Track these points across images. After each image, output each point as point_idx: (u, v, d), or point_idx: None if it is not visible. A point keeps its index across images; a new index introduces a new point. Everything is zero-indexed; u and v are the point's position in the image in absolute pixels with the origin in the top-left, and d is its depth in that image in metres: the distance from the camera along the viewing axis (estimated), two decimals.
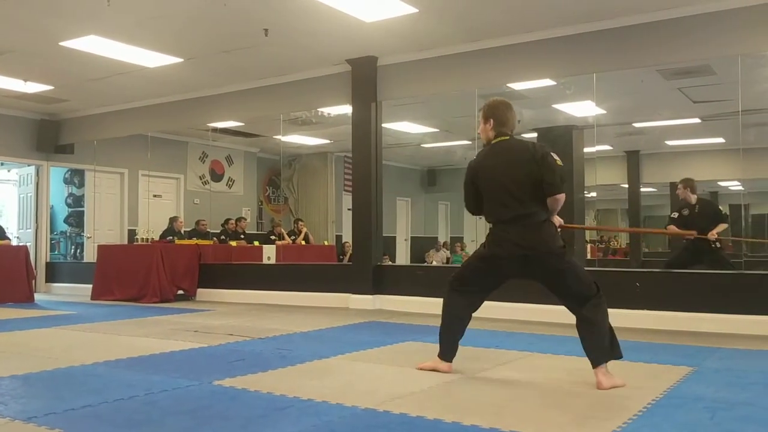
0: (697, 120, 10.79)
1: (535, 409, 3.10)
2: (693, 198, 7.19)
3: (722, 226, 7.08)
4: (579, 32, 6.80)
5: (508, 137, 3.76)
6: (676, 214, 7.25)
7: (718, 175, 13.42)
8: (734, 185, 14.60)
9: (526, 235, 3.57)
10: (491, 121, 3.79)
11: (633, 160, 13.28)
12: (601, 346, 3.53)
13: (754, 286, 6.00)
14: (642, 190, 13.74)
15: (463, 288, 3.88)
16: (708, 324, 5.88)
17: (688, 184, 7.22)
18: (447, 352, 3.92)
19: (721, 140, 11.69)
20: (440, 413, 2.93)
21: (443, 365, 3.89)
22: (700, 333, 5.72)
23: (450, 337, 3.93)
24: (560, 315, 6.27)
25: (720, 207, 7.14)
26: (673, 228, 7.05)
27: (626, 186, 13.41)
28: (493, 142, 3.78)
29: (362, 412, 3.00)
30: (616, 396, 3.32)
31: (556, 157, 3.61)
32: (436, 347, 3.98)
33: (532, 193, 3.59)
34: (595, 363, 3.51)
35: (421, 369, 3.94)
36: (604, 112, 9.81)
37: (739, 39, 6.14)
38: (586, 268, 7.52)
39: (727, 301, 5.94)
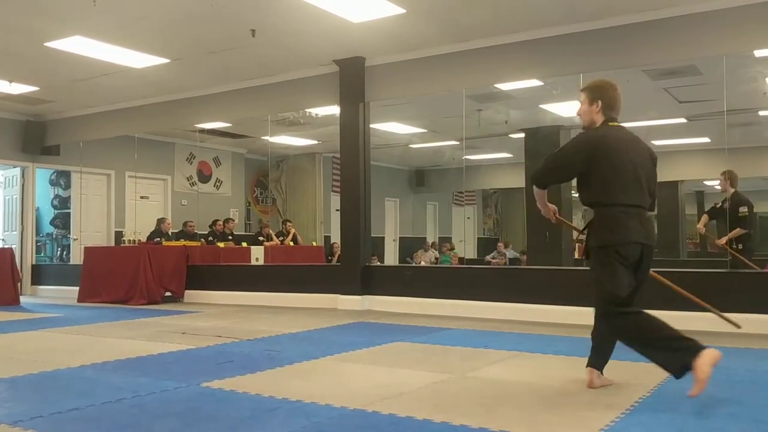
0: (683, 120, 10.87)
1: (525, 408, 3.10)
2: (731, 190, 7.02)
3: (735, 232, 6.88)
4: (565, 33, 6.83)
5: (622, 125, 3.48)
6: (718, 204, 7.11)
7: (703, 175, 13.52)
8: (719, 184, 14.72)
9: (647, 225, 3.35)
10: (599, 103, 3.47)
11: None
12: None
13: (740, 284, 6.04)
14: None
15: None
16: (696, 322, 5.91)
17: (729, 176, 7.02)
18: None
19: (706, 140, 11.78)
20: (429, 413, 2.93)
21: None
22: (690, 331, 5.73)
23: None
24: (548, 315, 6.31)
25: (746, 210, 6.79)
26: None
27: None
28: (610, 125, 3.45)
29: (351, 412, 2.99)
30: (604, 394, 3.33)
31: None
32: (423, 346, 3.96)
33: (654, 192, 3.44)
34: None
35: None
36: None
37: (723, 39, 6.18)
38: (574, 268, 7.57)
39: (716, 299, 5.96)
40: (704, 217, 7.51)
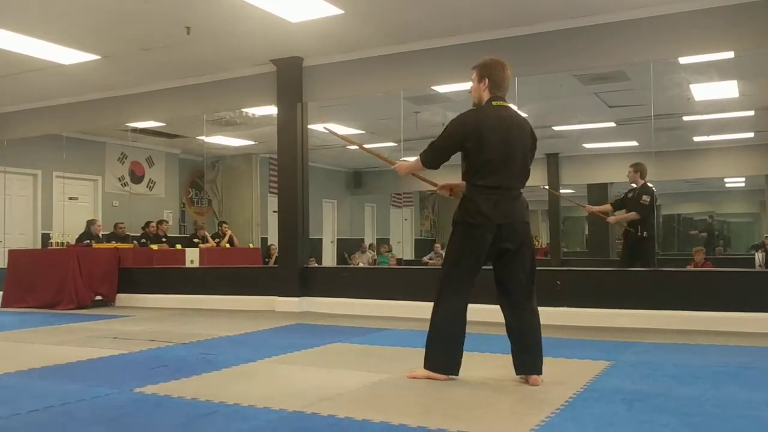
0: (612, 124, 11.23)
1: (461, 406, 3.14)
2: (640, 182, 7.17)
3: (631, 215, 7.09)
4: (501, 37, 6.95)
5: (507, 104, 3.63)
6: (628, 194, 7.25)
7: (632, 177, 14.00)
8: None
9: (509, 205, 3.53)
10: (486, 80, 3.62)
11: (552, 162, 13.70)
12: (539, 356, 3.58)
13: (666, 283, 6.29)
14: (561, 191, 14.18)
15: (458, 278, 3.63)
16: (624, 320, 6.13)
17: (638, 168, 7.22)
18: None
19: (634, 143, 12.21)
20: (368, 414, 2.94)
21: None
22: (618, 328, 5.95)
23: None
24: (483, 314, 6.40)
25: (648, 198, 7.01)
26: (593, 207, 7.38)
27: (546, 187, 13.82)
28: (493, 103, 3.59)
29: (290, 415, 2.97)
30: (538, 391, 3.41)
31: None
32: (361, 347, 3.97)
33: (524, 170, 3.62)
34: (533, 372, 3.54)
35: None
36: (525, 115, 10.03)
37: (651, 46, 6.42)
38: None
39: (642, 298, 6.20)
40: (606, 206, 7.67)
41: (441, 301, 3.63)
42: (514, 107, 3.73)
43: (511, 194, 3.56)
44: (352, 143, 4.79)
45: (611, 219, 7.50)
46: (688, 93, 8.91)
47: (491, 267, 3.70)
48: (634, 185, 7.22)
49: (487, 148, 3.48)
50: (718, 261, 11.76)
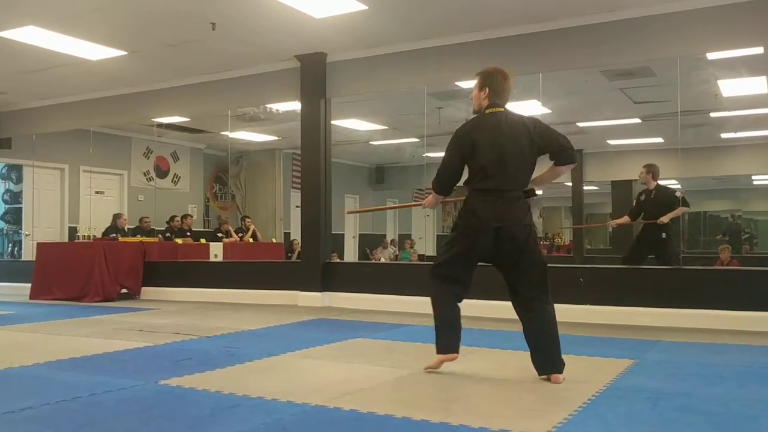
0: (637, 120, 11.10)
1: (483, 402, 3.15)
2: (653, 184, 7.16)
3: (680, 210, 7.00)
4: (525, 33, 6.92)
5: (502, 109, 3.66)
6: (635, 200, 7.23)
7: None
8: (672, 184, 15.07)
9: (504, 207, 3.54)
10: (486, 89, 3.67)
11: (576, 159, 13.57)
12: (557, 353, 3.56)
13: (691, 282, 6.22)
14: (585, 188, 14.07)
15: (447, 275, 3.77)
16: (648, 318, 6.08)
17: (651, 169, 7.17)
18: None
19: (660, 140, 12.06)
20: (390, 409, 2.95)
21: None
22: (641, 327, 5.89)
23: None
24: (506, 311, 6.39)
25: (679, 194, 7.01)
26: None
27: (570, 184, 13.70)
28: (487, 111, 3.66)
29: (312, 408, 2.99)
30: (561, 389, 3.40)
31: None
32: (384, 343, 3.99)
33: (526, 171, 3.61)
34: (554, 371, 3.53)
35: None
36: (549, 111, 9.98)
37: (677, 42, 6.34)
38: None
39: (666, 296, 6.14)
40: (624, 219, 7.67)
41: (433, 291, 3.79)
42: (512, 111, 3.73)
43: (508, 196, 3.56)
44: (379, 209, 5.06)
45: (661, 221, 7.03)
46: (715, 89, 8.77)
47: (493, 267, 3.74)
48: (644, 185, 7.18)
49: (479, 155, 3.56)
50: (745, 259, 11.60)
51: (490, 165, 3.54)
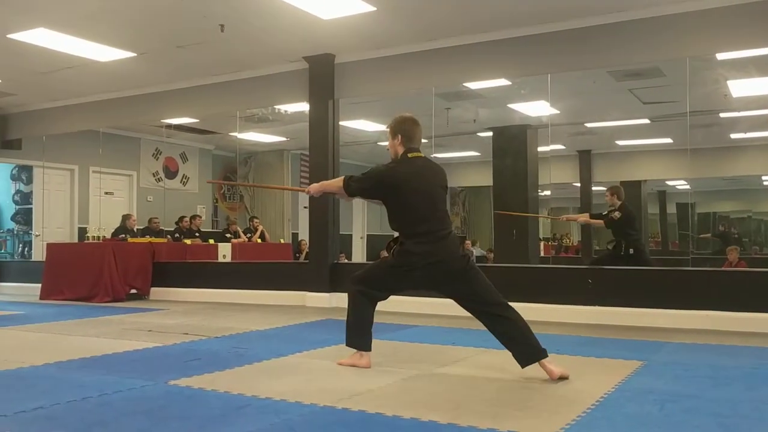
0: (646, 120, 11.07)
1: (491, 404, 3.15)
2: (618, 204, 7.44)
3: (598, 222, 7.53)
4: (534, 33, 6.91)
5: (422, 154, 3.92)
6: (605, 212, 7.48)
7: (666, 175, 13.79)
8: (681, 184, 14.99)
9: (448, 246, 3.76)
10: (399, 136, 3.91)
11: (585, 160, 13.55)
12: (534, 342, 3.66)
13: (698, 283, 6.20)
14: (593, 188, 14.02)
15: (372, 292, 4.01)
16: (657, 319, 6.06)
17: (615, 191, 7.49)
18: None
19: (669, 140, 12.02)
20: (398, 410, 2.96)
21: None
22: (650, 328, 5.88)
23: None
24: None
25: (619, 215, 7.34)
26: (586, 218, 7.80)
27: (578, 185, 13.67)
28: (409, 156, 3.87)
29: (320, 409, 3.00)
30: (569, 390, 3.40)
31: None
32: (391, 344, 4.00)
33: (445, 210, 3.94)
34: (539, 358, 3.62)
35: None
36: (557, 112, 9.99)
37: (686, 42, 6.32)
38: (540, 265, 7.67)
39: (674, 297, 6.12)
40: (585, 216, 8.15)
41: (353, 298, 4.03)
42: (425, 156, 3.99)
43: (440, 235, 3.77)
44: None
45: (581, 219, 7.94)
46: (725, 89, 8.74)
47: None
48: (611, 206, 7.45)
49: (410, 198, 3.77)
50: (754, 261, 11.54)
51: (423, 210, 3.78)
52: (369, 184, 3.91)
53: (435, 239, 3.74)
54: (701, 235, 15.75)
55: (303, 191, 4.41)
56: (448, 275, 3.76)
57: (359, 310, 3.98)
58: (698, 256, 12.12)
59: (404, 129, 3.92)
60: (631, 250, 7.12)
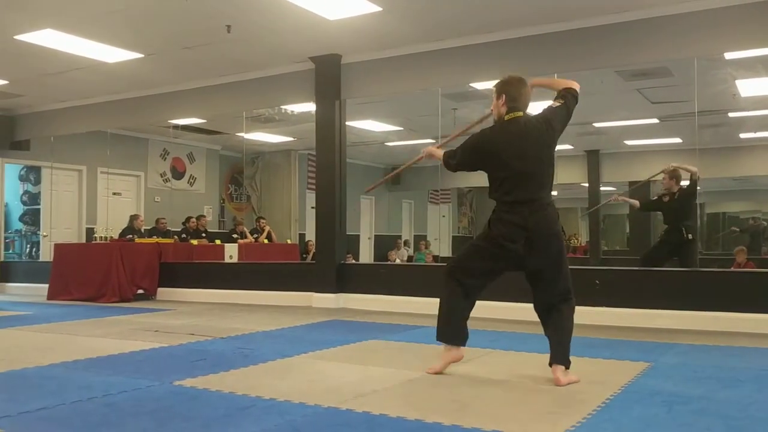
0: (655, 120, 11.02)
1: (497, 405, 3.13)
2: (676, 188, 7.28)
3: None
4: (540, 33, 6.89)
5: (521, 114, 3.68)
6: (656, 197, 7.42)
7: None
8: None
9: (533, 216, 3.55)
10: (503, 96, 3.70)
11: (593, 160, 13.51)
12: (567, 346, 3.60)
13: (706, 283, 6.16)
14: (601, 188, 13.97)
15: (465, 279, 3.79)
16: (664, 320, 6.02)
17: (674, 174, 7.31)
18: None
19: (678, 140, 11.94)
20: (403, 411, 2.94)
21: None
22: (657, 329, 5.84)
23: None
24: (521, 313, 6.36)
25: (695, 203, 7.36)
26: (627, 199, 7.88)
27: (586, 185, 13.62)
28: (505, 118, 3.67)
29: (325, 410, 2.99)
30: (575, 391, 3.37)
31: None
32: (397, 344, 3.98)
33: (547, 175, 3.65)
34: (557, 362, 3.55)
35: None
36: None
37: (695, 42, 6.28)
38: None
39: (682, 298, 6.08)
40: (635, 201, 8.24)
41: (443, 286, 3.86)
42: (529, 114, 3.77)
43: (535, 206, 3.58)
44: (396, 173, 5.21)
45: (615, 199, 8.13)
46: (733, 89, 8.68)
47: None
48: (667, 189, 7.35)
49: (501, 166, 3.62)
50: (762, 262, 11.45)
51: (513, 179, 3.58)
52: (463, 158, 3.77)
53: (528, 210, 3.54)
54: (732, 228, 15.69)
55: (419, 159, 4.40)
56: (539, 248, 3.57)
57: (446, 300, 3.81)
58: (706, 257, 12.05)
59: (510, 89, 3.69)
60: (690, 236, 6.98)
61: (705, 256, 12.03)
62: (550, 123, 3.69)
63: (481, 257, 3.74)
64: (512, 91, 3.70)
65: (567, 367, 3.54)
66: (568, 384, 3.49)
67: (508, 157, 3.59)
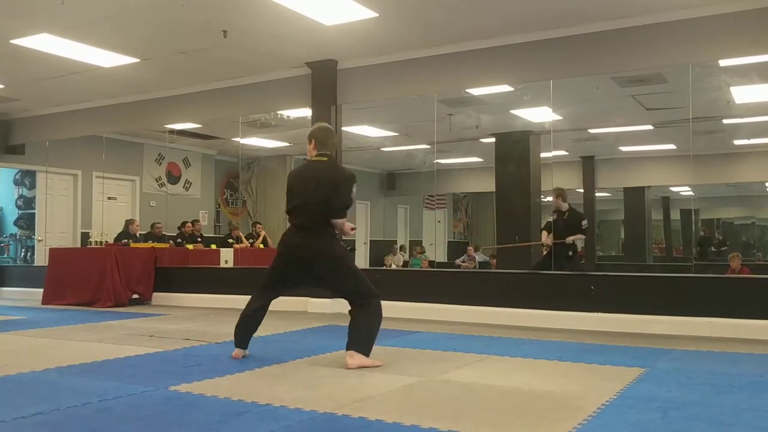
0: (649, 127, 11.06)
1: (492, 411, 3.13)
2: (564, 206, 7.87)
3: (579, 237, 7.94)
4: (536, 39, 6.91)
5: (326, 158, 4.46)
6: (550, 218, 7.98)
7: (669, 181, 13.78)
8: (685, 190, 14.99)
9: (305, 239, 4.32)
10: (313, 142, 4.50)
11: (588, 166, 13.56)
12: (359, 335, 4.23)
13: (701, 289, 6.17)
14: (596, 194, 14.02)
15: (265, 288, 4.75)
16: (659, 326, 6.03)
17: (560, 193, 7.87)
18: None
19: (672, 146, 12.01)
20: (399, 416, 2.94)
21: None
22: (652, 335, 5.86)
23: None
24: (517, 318, 6.38)
25: (584, 219, 8.13)
26: (543, 234, 8.15)
27: (581, 191, 13.66)
28: (311, 159, 4.49)
29: (321, 416, 2.99)
30: (571, 397, 3.38)
31: (353, 188, 4.40)
32: (393, 350, 3.99)
33: (324, 209, 4.31)
34: (348, 347, 4.20)
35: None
36: (560, 118, 9.98)
37: (689, 49, 6.32)
38: (542, 272, 7.68)
39: (677, 304, 6.10)
40: (546, 237, 8.38)
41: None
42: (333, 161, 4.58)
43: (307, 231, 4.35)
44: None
45: (568, 240, 7.95)
46: (728, 95, 8.73)
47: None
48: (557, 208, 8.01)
49: (291, 196, 4.53)
50: (757, 267, 11.50)
51: (296, 206, 4.44)
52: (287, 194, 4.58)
53: (303, 233, 4.36)
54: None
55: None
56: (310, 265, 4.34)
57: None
58: (701, 262, 12.09)
59: (318, 136, 4.49)
60: (570, 252, 7.66)
61: (700, 262, 12.06)
62: (336, 182, 4.41)
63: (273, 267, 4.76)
64: (321, 138, 4.51)
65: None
66: (357, 367, 4.05)
67: (301, 186, 4.51)
